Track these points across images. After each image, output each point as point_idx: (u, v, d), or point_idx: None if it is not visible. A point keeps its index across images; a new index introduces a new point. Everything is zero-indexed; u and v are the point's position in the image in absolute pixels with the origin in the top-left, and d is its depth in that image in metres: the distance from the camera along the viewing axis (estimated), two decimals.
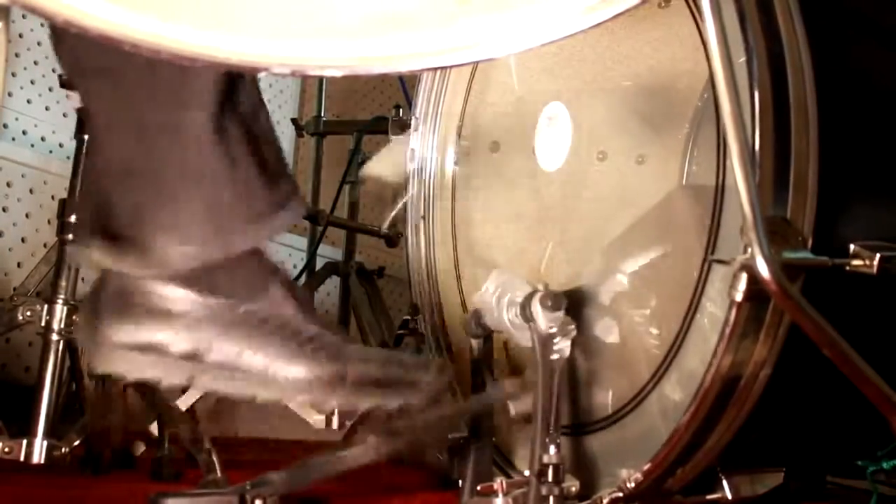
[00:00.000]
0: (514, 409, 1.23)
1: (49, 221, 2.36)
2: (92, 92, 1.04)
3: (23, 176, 2.38)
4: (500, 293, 1.22)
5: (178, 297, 1.02)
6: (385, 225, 1.64)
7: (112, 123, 1.03)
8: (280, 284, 1.07)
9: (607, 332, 1.26)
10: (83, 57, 0.99)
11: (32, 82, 2.49)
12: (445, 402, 1.16)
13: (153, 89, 0.98)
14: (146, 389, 1.60)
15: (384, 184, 1.64)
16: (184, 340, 1.02)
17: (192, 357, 1.02)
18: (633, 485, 1.08)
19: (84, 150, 1.60)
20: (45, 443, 1.47)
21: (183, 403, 1.84)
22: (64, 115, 2.49)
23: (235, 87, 1.00)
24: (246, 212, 1.03)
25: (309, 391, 1.04)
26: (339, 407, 1.05)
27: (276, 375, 1.03)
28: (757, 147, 0.97)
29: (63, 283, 1.56)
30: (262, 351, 1.03)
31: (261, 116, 1.05)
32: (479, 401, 1.25)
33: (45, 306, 1.55)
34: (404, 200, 1.69)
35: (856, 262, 0.97)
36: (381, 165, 1.69)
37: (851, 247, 0.98)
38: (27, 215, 2.39)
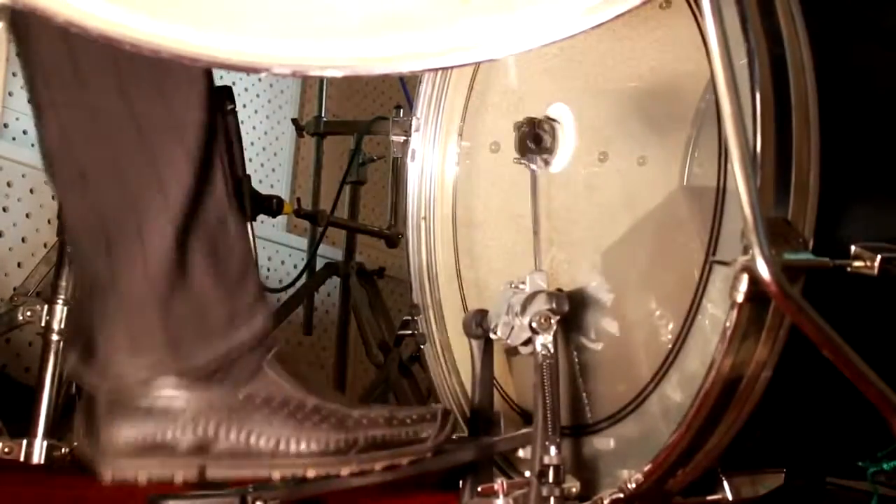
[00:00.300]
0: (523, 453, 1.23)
1: (49, 221, 2.36)
2: (62, 197, 1.05)
3: (23, 176, 2.38)
4: (507, 300, 1.22)
5: (174, 394, 1.02)
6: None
7: (81, 234, 1.04)
8: (274, 362, 1.08)
9: (608, 333, 1.26)
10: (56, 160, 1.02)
11: None
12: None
13: (122, 196, 0.99)
14: None
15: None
16: (189, 434, 1.02)
17: (200, 449, 1.03)
18: (633, 486, 1.08)
19: None
20: (45, 443, 1.47)
21: None
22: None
23: (202, 199, 1.01)
24: (201, 331, 1.03)
25: (321, 464, 1.05)
26: (353, 471, 1.06)
27: (287, 453, 1.04)
28: (758, 149, 0.97)
29: (63, 284, 1.56)
30: (268, 431, 1.04)
31: (229, 226, 1.05)
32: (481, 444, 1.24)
33: (46, 306, 1.55)
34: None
35: (857, 264, 0.97)
36: None
37: (852, 248, 0.98)
38: (27, 215, 2.39)
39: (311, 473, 1.05)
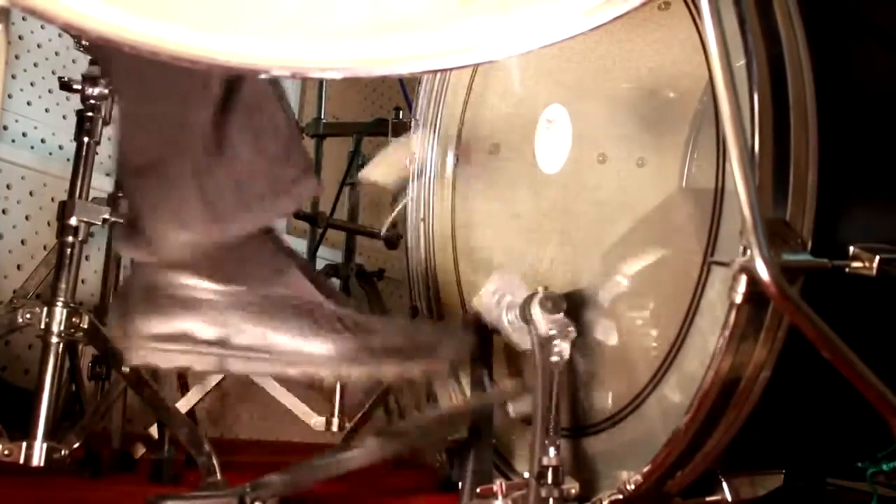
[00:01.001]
0: (513, 410, 1.23)
1: (49, 224, 2.36)
2: (118, 88, 1.11)
3: (23, 178, 2.38)
4: (500, 294, 1.22)
5: (202, 286, 1.07)
6: (384, 228, 1.64)
7: (130, 120, 1.08)
8: (296, 266, 1.12)
9: (607, 334, 1.26)
10: (116, 54, 1.03)
11: (32, 84, 2.49)
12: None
13: (165, 86, 1.02)
14: (146, 391, 1.60)
15: (380, 188, 1.64)
16: (211, 327, 1.07)
17: (220, 343, 1.07)
18: (632, 487, 1.08)
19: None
20: (45, 445, 1.47)
21: (183, 405, 1.84)
22: (64, 118, 2.49)
23: (239, 83, 1.04)
24: (241, 199, 1.06)
25: (334, 364, 1.08)
26: (363, 377, 1.09)
27: (301, 352, 1.07)
28: (756, 149, 0.97)
29: (62, 286, 1.56)
30: (285, 330, 1.08)
31: (270, 105, 1.07)
32: (477, 401, 1.25)
33: (45, 309, 1.55)
34: (403, 203, 1.69)
35: (855, 264, 0.97)
36: (376, 171, 1.69)
37: (851, 249, 0.98)
38: (27, 217, 2.39)
39: (324, 373, 1.08)
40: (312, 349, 1.07)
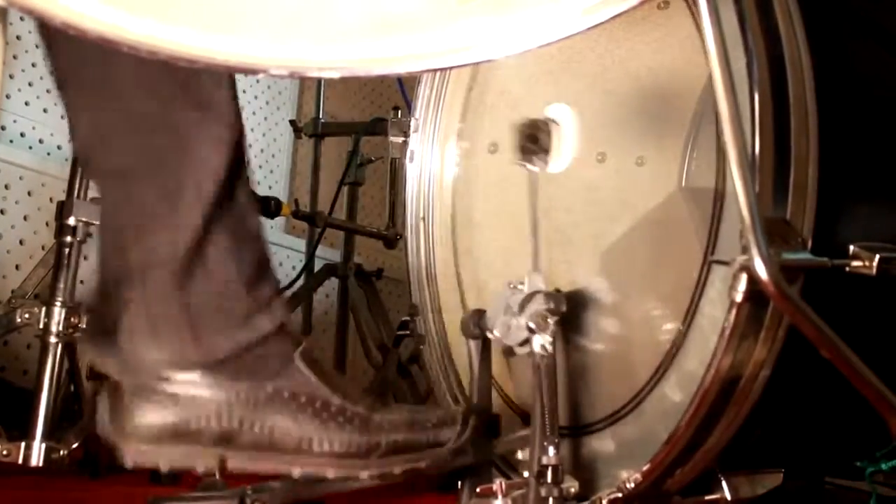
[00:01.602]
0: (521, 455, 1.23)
1: (47, 224, 2.36)
2: (102, 190, 1.07)
3: (21, 178, 2.38)
4: (505, 301, 1.22)
5: (202, 382, 1.03)
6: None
7: (116, 225, 1.05)
8: (303, 357, 1.08)
9: (607, 333, 1.26)
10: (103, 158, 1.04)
11: (31, 84, 2.49)
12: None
13: (160, 189, 1.00)
14: None
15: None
16: (213, 426, 1.02)
17: (225, 439, 1.03)
18: (632, 485, 1.08)
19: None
20: (44, 445, 1.47)
21: None
22: (62, 118, 2.48)
23: (232, 192, 1.02)
24: (223, 320, 1.04)
25: (342, 465, 1.06)
26: (371, 475, 1.07)
27: (310, 450, 1.05)
28: (756, 149, 0.97)
29: (61, 286, 1.56)
30: (292, 427, 1.04)
31: (249, 220, 1.06)
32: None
33: (44, 309, 1.55)
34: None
35: (855, 263, 0.97)
36: None
37: (851, 248, 0.98)
38: (25, 218, 2.38)
39: (331, 474, 1.06)
40: (318, 448, 1.05)
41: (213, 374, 1.03)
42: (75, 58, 1.01)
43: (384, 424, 1.08)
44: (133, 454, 1.03)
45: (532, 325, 1.14)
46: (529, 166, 1.35)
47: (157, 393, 1.02)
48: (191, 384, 1.03)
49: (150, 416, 1.02)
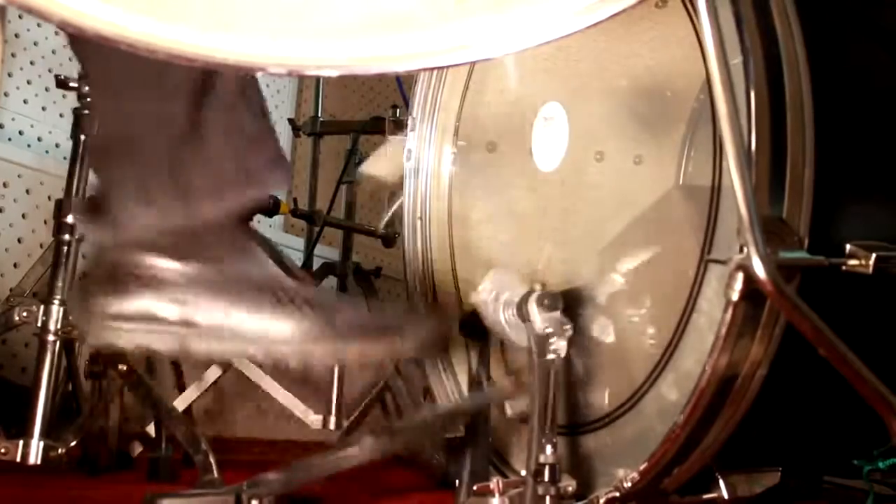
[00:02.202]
0: (510, 409, 1.23)
1: (45, 222, 2.36)
2: (94, 78, 1.11)
3: (19, 176, 2.37)
4: (496, 292, 1.22)
5: (164, 265, 1.06)
6: (382, 224, 1.64)
7: (104, 108, 1.09)
8: (259, 245, 1.11)
9: (604, 331, 1.26)
10: (95, 47, 1.02)
11: (29, 82, 2.48)
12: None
13: (140, 79, 1.02)
14: (143, 390, 1.60)
15: (380, 183, 1.64)
16: (173, 306, 1.06)
17: (182, 322, 1.06)
18: (629, 484, 1.08)
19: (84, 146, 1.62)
20: (42, 443, 1.47)
21: (180, 404, 1.84)
22: (60, 116, 2.49)
23: (213, 81, 1.04)
24: (212, 184, 1.06)
25: (296, 343, 1.07)
26: (326, 356, 1.08)
27: (266, 332, 1.06)
28: (753, 147, 0.97)
29: (59, 284, 1.56)
30: (247, 310, 1.06)
31: (240, 107, 1.07)
32: (475, 400, 1.25)
33: (42, 307, 1.55)
34: (400, 201, 1.69)
35: (852, 262, 0.97)
36: (377, 165, 1.69)
37: (847, 246, 0.98)
38: (23, 216, 2.38)
39: (286, 351, 1.07)
40: (274, 328, 1.06)
41: (176, 257, 1.06)
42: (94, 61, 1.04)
43: (341, 307, 1.10)
44: (95, 335, 1.07)
45: (550, 330, 1.14)
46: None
47: (123, 275, 1.05)
48: (155, 267, 1.06)
49: (114, 299, 1.05)
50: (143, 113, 1.04)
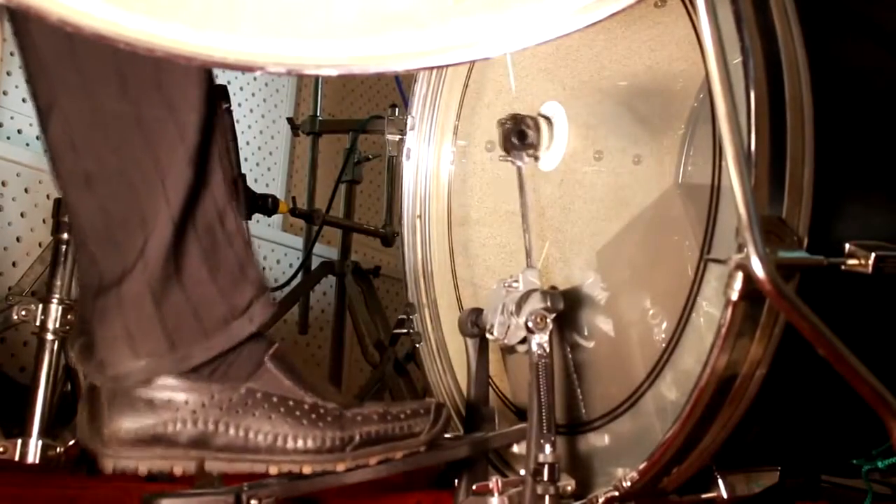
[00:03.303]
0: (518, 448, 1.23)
1: (44, 221, 2.36)
2: (67, 196, 1.06)
3: (18, 175, 2.37)
4: (506, 294, 1.22)
5: (176, 386, 1.04)
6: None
7: (87, 234, 1.05)
8: (274, 358, 1.10)
9: (603, 331, 1.26)
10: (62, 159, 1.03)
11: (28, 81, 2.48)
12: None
13: (127, 197, 1.01)
14: None
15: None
16: (188, 428, 1.04)
17: (200, 442, 1.05)
18: (628, 484, 1.08)
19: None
20: (40, 442, 1.47)
21: None
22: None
23: (201, 197, 1.03)
24: (199, 327, 1.05)
25: (318, 460, 1.08)
26: (349, 467, 1.09)
27: (285, 448, 1.07)
28: (752, 147, 0.97)
29: (58, 283, 1.56)
30: (266, 427, 1.06)
31: (227, 222, 1.06)
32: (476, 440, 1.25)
33: (41, 306, 1.55)
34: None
35: (851, 262, 0.97)
36: None
37: (847, 246, 0.98)
38: (22, 214, 2.38)
39: (307, 470, 1.08)
40: (295, 444, 1.07)
41: (187, 378, 1.05)
42: (48, 51, 1.01)
43: (357, 418, 1.10)
44: (111, 459, 1.04)
45: (530, 325, 1.14)
46: (517, 162, 1.35)
47: (133, 398, 1.03)
48: (166, 388, 1.04)
49: (127, 421, 1.03)
50: (128, 243, 1.02)
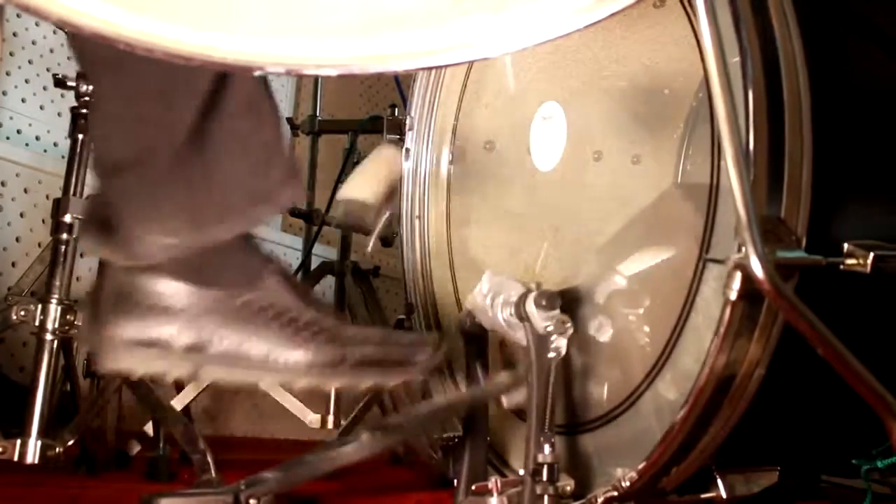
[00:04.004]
0: (507, 401, 1.23)
1: (43, 221, 2.36)
2: (99, 83, 1.07)
3: (17, 175, 2.37)
4: (493, 294, 1.22)
5: (177, 291, 1.05)
6: (369, 248, 1.61)
7: (109, 116, 1.06)
8: (275, 272, 1.10)
9: (602, 331, 1.26)
10: (97, 49, 1.01)
11: (27, 81, 2.48)
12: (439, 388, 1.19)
13: (147, 85, 1.00)
14: (141, 389, 1.59)
15: (363, 206, 1.61)
16: (186, 333, 1.05)
17: (196, 349, 1.05)
18: (627, 484, 1.08)
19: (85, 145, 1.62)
20: (40, 442, 1.47)
21: (178, 403, 1.84)
22: (58, 115, 2.48)
23: (228, 84, 1.02)
24: (222, 206, 1.05)
25: (310, 374, 1.07)
26: (340, 388, 1.08)
27: (278, 361, 1.06)
28: (751, 147, 0.97)
29: (57, 283, 1.56)
30: (262, 338, 1.06)
31: (253, 111, 1.06)
32: (472, 393, 1.25)
33: (40, 306, 1.55)
34: (388, 215, 1.68)
35: (850, 261, 0.97)
36: (354, 187, 1.65)
37: (845, 246, 0.98)
38: (21, 215, 2.38)
39: (300, 383, 1.08)
40: (289, 358, 1.06)
41: (189, 283, 1.05)
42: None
43: (355, 337, 1.10)
44: (109, 361, 1.05)
45: (551, 329, 1.14)
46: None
47: (134, 301, 1.04)
48: (167, 294, 1.05)
49: (128, 324, 1.04)
50: (151, 122, 1.02)
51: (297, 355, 1.06)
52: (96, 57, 1.04)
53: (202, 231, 1.04)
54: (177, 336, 1.04)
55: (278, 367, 1.06)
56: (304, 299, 1.10)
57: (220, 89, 1.01)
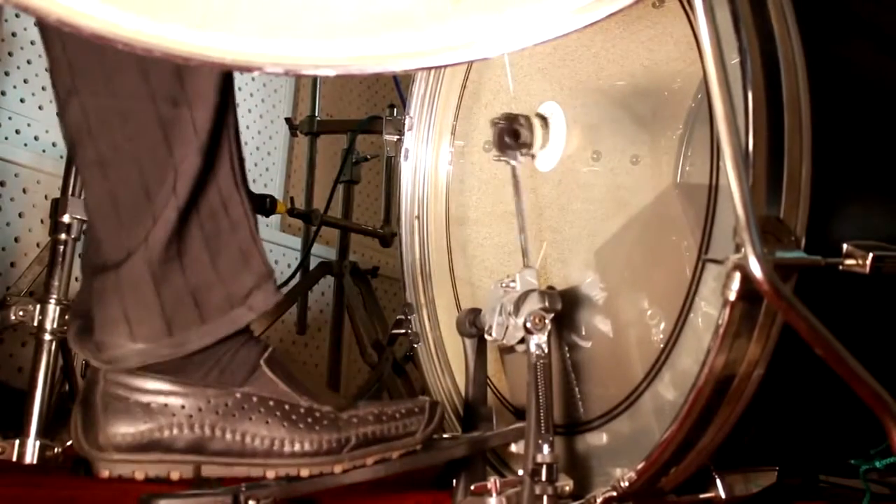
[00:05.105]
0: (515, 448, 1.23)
1: (42, 221, 2.36)
2: (83, 179, 1.07)
3: (16, 175, 2.37)
4: (504, 294, 1.22)
5: (168, 390, 1.04)
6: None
7: (96, 216, 1.05)
8: (268, 362, 1.09)
9: (601, 331, 1.26)
10: (85, 153, 1.03)
11: (26, 81, 2.48)
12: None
13: (138, 184, 1.00)
14: None
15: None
16: (183, 434, 1.04)
17: (195, 450, 1.04)
18: (626, 484, 1.08)
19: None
20: (38, 443, 1.47)
21: None
22: (58, 115, 2.48)
23: (207, 186, 1.03)
24: (197, 313, 1.04)
25: (315, 463, 1.08)
26: (346, 468, 1.09)
27: (283, 452, 1.07)
28: (750, 147, 0.97)
29: (56, 283, 1.56)
30: (263, 432, 1.06)
31: (231, 211, 1.06)
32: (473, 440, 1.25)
33: (38, 306, 1.55)
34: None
35: (849, 262, 0.97)
36: None
37: (844, 246, 0.98)
38: (20, 215, 2.38)
39: (304, 473, 1.08)
40: (289, 449, 1.06)
41: (183, 383, 1.04)
42: (71, 41, 1.01)
43: (352, 420, 1.11)
44: (107, 466, 1.04)
45: (528, 325, 1.14)
46: (511, 161, 1.35)
47: (128, 403, 1.03)
48: (161, 393, 1.04)
49: (123, 427, 1.03)
50: (133, 219, 1.01)
51: (298, 446, 1.07)
52: (85, 161, 1.04)
53: (178, 339, 1.03)
54: (174, 438, 1.03)
55: (283, 458, 1.06)
56: (299, 387, 1.10)
57: (199, 189, 1.02)
